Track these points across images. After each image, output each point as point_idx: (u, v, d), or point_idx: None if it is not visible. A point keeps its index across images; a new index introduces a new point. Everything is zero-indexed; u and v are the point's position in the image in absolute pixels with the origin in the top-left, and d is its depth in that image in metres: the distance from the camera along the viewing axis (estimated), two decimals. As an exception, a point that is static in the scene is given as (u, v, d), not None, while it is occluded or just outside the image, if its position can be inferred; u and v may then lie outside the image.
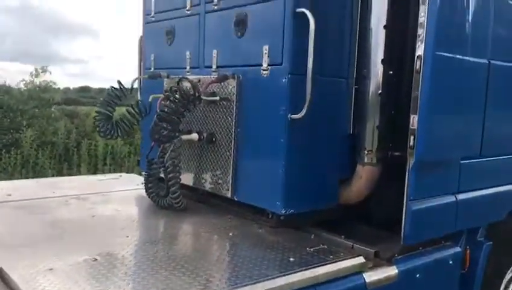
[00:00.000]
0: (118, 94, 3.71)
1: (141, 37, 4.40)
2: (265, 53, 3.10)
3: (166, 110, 3.31)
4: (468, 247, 3.44)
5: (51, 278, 2.22)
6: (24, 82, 13.71)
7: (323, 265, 2.60)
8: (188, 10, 3.76)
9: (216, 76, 3.44)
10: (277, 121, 3.03)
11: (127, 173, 10.65)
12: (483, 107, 3.20)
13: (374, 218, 3.43)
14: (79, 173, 10.80)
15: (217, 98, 3.42)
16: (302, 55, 2.90)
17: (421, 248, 3.13)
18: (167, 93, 3.43)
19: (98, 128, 3.75)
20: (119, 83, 3.79)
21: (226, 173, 3.39)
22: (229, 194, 3.37)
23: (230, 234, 3.08)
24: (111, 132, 3.70)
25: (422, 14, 2.78)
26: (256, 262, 2.55)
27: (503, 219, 3.61)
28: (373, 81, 3.17)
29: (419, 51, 2.75)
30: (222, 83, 3.39)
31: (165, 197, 3.57)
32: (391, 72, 3.16)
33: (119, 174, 5.38)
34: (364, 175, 3.24)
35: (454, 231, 3.28)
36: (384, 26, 3.10)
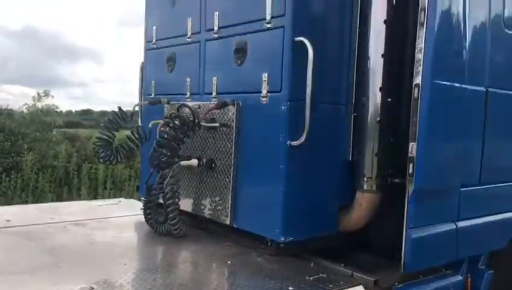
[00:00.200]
0: (119, 120, 3.74)
1: (142, 63, 4.45)
2: (265, 80, 3.13)
3: (165, 136, 3.33)
4: (469, 275, 3.41)
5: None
6: (26, 106, 13.79)
7: (322, 294, 2.57)
8: (188, 38, 3.82)
9: (216, 102, 3.47)
10: (276, 148, 3.04)
11: (127, 196, 10.63)
12: (482, 134, 3.22)
13: (374, 245, 3.40)
14: (79, 196, 10.75)
15: (217, 124, 3.44)
16: (301, 83, 2.93)
17: (421, 277, 3.10)
18: (167, 120, 3.45)
19: (98, 154, 3.76)
20: (120, 109, 3.82)
21: (225, 200, 3.38)
22: (228, 221, 3.36)
23: (229, 262, 3.06)
24: (110, 158, 3.72)
25: (419, 43, 2.82)
26: (255, 291, 2.52)
27: (505, 247, 3.58)
28: (372, 108, 3.20)
29: (417, 79, 2.77)
30: (222, 110, 3.42)
31: (164, 224, 3.55)
32: (390, 100, 3.18)
33: (118, 199, 5.36)
34: (363, 202, 3.23)
35: (455, 259, 3.25)
36: (382, 55, 3.14)
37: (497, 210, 3.49)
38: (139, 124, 4.21)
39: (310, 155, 3.06)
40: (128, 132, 3.87)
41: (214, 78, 3.58)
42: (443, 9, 2.95)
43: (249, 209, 3.26)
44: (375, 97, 3.18)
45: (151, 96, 4.26)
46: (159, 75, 4.23)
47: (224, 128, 3.41)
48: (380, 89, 3.15)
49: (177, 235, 3.48)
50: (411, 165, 2.79)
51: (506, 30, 3.39)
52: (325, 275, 2.85)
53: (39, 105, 13.72)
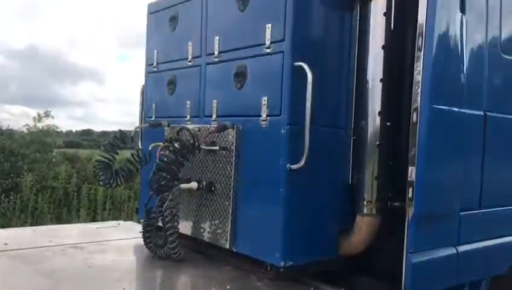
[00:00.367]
0: (119, 142, 3.75)
1: (143, 86, 4.49)
2: (264, 104, 3.15)
3: (165, 159, 3.33)
4: (470, 300, 3.37)
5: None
6: (27, 127, 13.84)
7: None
8: (189, 61, 3.86)
9: (216, 126, 3.48)
10: (276, 171, 3.04)
11: (127, 217, 10.59)
12: (481, 158, 3.23)
13: (374, 269, 3.37)
14: (78, 217, 10.72)
15: (217, 147, 3.45)
16: (301, 107, 2.95)
17: (422, 301, 3.06)
18: (167, 143, 3.46)
19: (98, 177, 3.76)
20: (121, 131, 3.84)
21: (225, 223, 3.37)
22: (227, 245, 3.34)
23: (228, 286, 3.03)
24: (110, 181, 3.72)
25: (417, 68, 2.85)
26: (254, 317, 2.50)
27: (506, 272, 3.55)
28: (371, 132, 3.21)
29: (416, 103, 2.80)
30: (222, 133, 3.43)
31: (163, 247, 3.53)
32: (389, 124, 3.20)
33: (117, 222, 5.34)
34: (363, 226, 3.22)
35: (455, 284, 3.22)
36: (381, 79, 3.17)
37: (498, 234, 3.48)
38: (139, 146, 4.22)
39: (310, 179, 3.06)
40: (129, 154, 3.88)
41: (214, 101, 3.61)
42: (441, 35, 2.99)
43: (248, 233, 3.25)
44: (374, 121, 3.20)
45: (152, 118, 4.28)
46: (159, 97, 4.26)
47: (224, 152, 3.42)
48: (379, 113, 3.18)
49: (176, 259, 3.46)
50: (411, 190, 2.79)
51: (503, 55, 3.44)
52: (325, 300, 2.83)
53: (40, 126, 13.77)
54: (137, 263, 3.71)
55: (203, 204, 3.58)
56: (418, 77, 2.81)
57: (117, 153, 3.79)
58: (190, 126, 3.66)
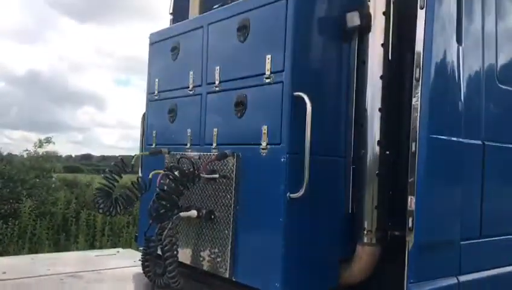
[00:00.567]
0: (119, 170, 3.76)
1: (144, 114, 4.53)
2: (264, 133, 3.18)
3: (165, 188, 3.34)
4: (473, 331, 3.32)
5: None
6: (27, 152, 13.86)
7: None
8: (190, 90, 3.90)
9: (216, 154, 3.50)
10: (276, 200, 3.05)
11: (126, 243, 10.51)
12: (481, 187, 3.24)
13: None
14: (76, 243, 10.63)
15: (217, 175, 3.46)
16: (300, 136, 2.97)
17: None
18: (167, 172, 3.47)
19: (97, 205, 3.76)
20: (121, 160, 3.86)
21: (224, 252, 3.35)
22: (227, 275, 3.31)
23: (228, 316, 3.00)
24: (110, 209, 3.71)
25: (415, 98, 2.89)
26: None
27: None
28: (370, 161, 3.22)
29: (414, 134, 2.82)
30: (222, 161, 3.45)
31: (162, 276, 3.50)
32: (388, 153, 3.22)
33: (116, 249, 5.31)
34: (364, 255, 3.20)
35: (458, 315, 3.18)
36: (379, 109, 3.20)
37: (499, 263, 3.46)
38: (139, 174, 4.23)
39: (310, 208, 3.06)
40: (130, 180, 3.88)
41: (215, 130, 3.64)
42: (438, 65, 3.04)
43: (248, 262, 3.23)
44: (373, 150, 3.21)
45: (152, 146, 4.31)
46: (160, 125, 4.29)
47: (224, 180, 3.43)
48: (378, 142, 3.19)
49: (175, 288, 3.41)
50: (410, 219, 2.79)
51: (500, 85, 3.48)
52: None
53: (40, 151, 13.80)
54: (136, 293, 3.68)
55: (203, 232, 3.57)
56: (416, 107, 2.85)
57: (117, 181, 3.80)
58: (190, 154, 3.68)
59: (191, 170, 3.42)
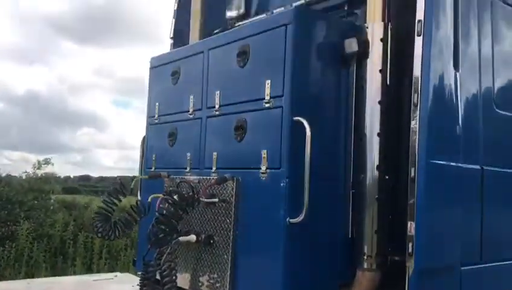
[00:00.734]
0: (118, 194, 3.76)
1: (144, 137, 4.55)
2: (264, 157, 3.19)
3: (164, 212, 3.33)
4: None
5: None
6: (26, 173, 13.83)
7: None
8: (190, 114, 3.93)
9: (215, 178, 3.50)
10: (275, 225, 3.04)
11: (123, 267, 10.40)
12: (480, 212, 3.23)
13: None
14: (74, 267, 10.52)
15: (216, 199, 3.46)
16: (300, 160, 2.98)
17: None
18: (166, 196, 3.47)
19: (96, 229, 3.74)
20: (121, 182, 3.86)
21: (224, 277, 3.33)
22: (226, 300, 3.28)
23: None
24: (109, 233, 3.70)
25: (414, 124, 2.91)
26: None
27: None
28: (370, 185, 3.22)
29: (413, 159, 2.84)
30: (221, 185, 3.45)
31: (160, 302, 3.46)
32: (387, 177, 3.23)
33: (114, 274, 5.26)
34: (364, 281, 3.18)
35: None
36: (378, 134, 3.22)
37: (501, 289, 3.43)
38: (139, 197, 4.22)
39: (310, 233, 3.05)
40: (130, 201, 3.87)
41: (214, 153, 3.64)
42: (435, 91, 3.07)
43: (247, 287, 3.20)
44: (372, 174, 3.22)
45: (152, 169, 4.31)
46: (160, 149, 4.30)
47: (223, 204, 3.42)
48: (378, 166, 3.20)
49: (173, 314, 3.38)
50: (410, 245, 2.78)
51: (497, 110, 3.51)
52: None
53: (39, 173, 13.77)
54: (133, 318, 3.63)
55: (202, 257, 3.55)
56: (414, 132, 2.87)
57: (116, 205, 3.79)
58: (190, 178, 3.68)
59: (191, 194, 3.42)
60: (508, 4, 3.75)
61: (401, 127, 3.19)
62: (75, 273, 9.51)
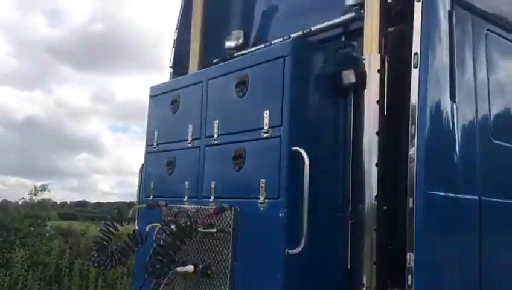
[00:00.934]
0: (116, 223, 3.73)
1: (142, 165, 4.54)
2: (262, 187, 3.18)
3: (162, 243, 3.31)
4: None
5: None
6: (23, 200, 13.72)
7: None
8: (189, 143, 3.94)
9: (213, 208, 3.48)
10: (274, 256, 3.02)
11: (119, 296, 10.22)
12: (479, 243, 3.22)
13: None
14: (69, 295, 10.34)
15: (214, 229, 3.44)
16: (298, 190, 2.98)
17: None
18: (164, 226, 3.45)
19: (93, 259, 3.70)
20: (118, 210, 3.83)
21: (221, 309, 3.28)
22: (223, 333, 3.23)
23: None
24: (105, 263, 3.65)
25: (411, 154, 2.93)
26: None
27: None
28: (368, 215, 3.22)
29: (411, 189, 2.84)
30: (219, 215, 3.43)
31: (157, 334, 3.41)
32: (386, 208, 3.22)
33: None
34: (363, 313, 3.14)
35: None
36: (376, 164, 3.23)
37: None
38: (136, 227, 4.19)
39: (308, 263, 3.03)
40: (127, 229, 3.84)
41: (213, 183, 3.64)
42: (432, 122, 3.10)
43: (245, 320, 3.16)
44: (371, 205, 3.22)
45: (150, 198, 4.30)
46: (158, 177, 4.30)
47: (221, 234, 3.40)
48: (376, 197, 3.20)
49: None
50: (409, 276, 2.76)
51: (494, 140, 3.54)
52: None
53: (35, 199, 13.66)
54: None
55: (199, 288, 3.50)
56: (412, 163, 2.88)
57: (113, 234, 3.76)
58: (188, 207, 3.67)
59: (188, 224, 3.40)
60: (502, 36, 3.81)
61: (399, 158, 3.21)
62: (69, 303, 9.35)
